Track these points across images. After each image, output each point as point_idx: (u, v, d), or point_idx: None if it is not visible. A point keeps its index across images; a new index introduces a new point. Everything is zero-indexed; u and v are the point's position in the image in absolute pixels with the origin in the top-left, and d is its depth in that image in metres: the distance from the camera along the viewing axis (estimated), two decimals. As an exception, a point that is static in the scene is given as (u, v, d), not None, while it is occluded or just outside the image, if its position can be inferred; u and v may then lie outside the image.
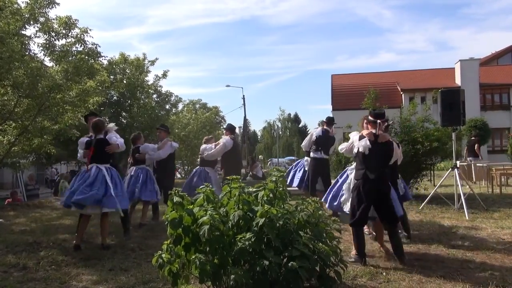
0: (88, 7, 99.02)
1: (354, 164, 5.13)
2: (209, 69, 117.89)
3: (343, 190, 5.29)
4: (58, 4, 9.66)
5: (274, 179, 3.60)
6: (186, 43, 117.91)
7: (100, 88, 11.10)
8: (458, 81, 28.26)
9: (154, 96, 21.19)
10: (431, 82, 26.97)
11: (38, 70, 9.18)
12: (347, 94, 28.79)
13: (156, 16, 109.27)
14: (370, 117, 4.86)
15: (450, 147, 9.11)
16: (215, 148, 7.62)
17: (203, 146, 8.04)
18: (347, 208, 5.10)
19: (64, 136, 11.73)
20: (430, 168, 10.93)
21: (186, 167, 27.73)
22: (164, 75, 20.96)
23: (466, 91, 9.06)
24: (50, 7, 9.57)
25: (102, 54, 10.94)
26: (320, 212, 3.60)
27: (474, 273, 4.28)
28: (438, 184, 9.25)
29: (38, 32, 9.66)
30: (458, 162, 13.71)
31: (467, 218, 7.23)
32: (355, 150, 4.79)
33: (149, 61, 20.49)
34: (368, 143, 4.65)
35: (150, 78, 20.86)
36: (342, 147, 5.15)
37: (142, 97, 20.03)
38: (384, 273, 4.23)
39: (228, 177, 3.70)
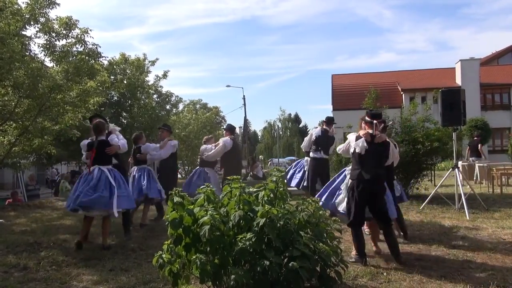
0: (89, 7, 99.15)
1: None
2: (210, 69, 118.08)
3: (340, 190, 5.28)
4: (58, 4, 9.68)
5: (274, 179, 3.60)
6: (187, 43, 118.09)
7: (101, 88, 11.11)
8: (458, 81, 28.24)
9: (155, 96, 21.22)
10: (432, 82, 26.94)
11: (38, 70, 9.18)
12: (347, 94, 28.76)
13: (157, 16, 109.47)
14: (367, 118, 4.86)
15: (451, 147, 9.11)
16: (215, 148, 7.61)
17: (203, 146, 8.04)
18: (341, 207, 5.10)
19: (65, 137, 11.75)
20: (431, 168, 10.93)
21: (187, 167, 27.74)
22: (165, 75, 20.99)
23: (466, 91, 9.05)
24: (50, 7, 9.58)
25: (102, 55, 10.99)
26: (320, 212, 3.60)
27: (474, 273, 4.28)
28: (439, 184, 9.24)
29: (38, 32, 9.67)
30: (460, 162, 13.77)
31: (467, 218, 7.22)
32: (352, 150, 4.79)
33: (149, 62, 20.52)
34: (364, 143, 4.65)
35: (150, 79, 20.92)
36: (340, 147, 5.15)
37: (143, 97, 20.06)
38: (384, 273, 4.23)
39: (228, 177, 3.69)
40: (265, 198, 3.50)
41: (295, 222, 3.42)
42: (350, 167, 5.18)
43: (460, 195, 7.88)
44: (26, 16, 9.32)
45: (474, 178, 13.15)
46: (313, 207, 3.55)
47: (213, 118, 29.83)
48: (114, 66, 19.31)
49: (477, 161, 12.98)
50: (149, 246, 5.64)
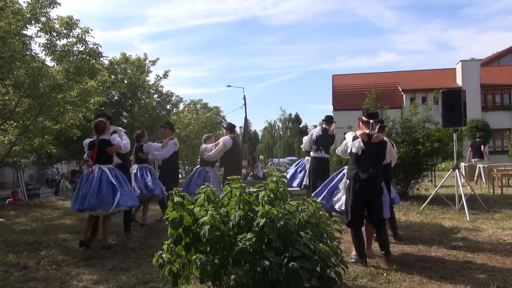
0: (89, 7, 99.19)
1: None
2: (210, 69, 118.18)
3: (338, 189, 5.27)
4: (59, 4, 9.67)
5: (274, 179, 3.60)
6: (187, 43, 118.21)
7: (101, 88, 11.10)
8: (459, 81, 28.22)
9: (155, 96, 21.23)
10: (432, 82, 26.92)
11: (39, 70, 9.18)
12: (348, 95, 28.74)
13: (157, 16, 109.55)
14: (363, 117, 4.87)
15: (451, 148, 9.10)
16: (215, 148, 7.59)
17: (203, 146, 8.02)
18: (338, 206, 5.09)
19: (65, 136, 11.74)
20: (431, 169, 10.92)
21: (187, 167, 27.75)
22: (165, 75, 21.00)
23: (467, 91, 9.04)
24: (51, 7, 9.58)
25: (103, 54, 10.97)
26: (321, 213, 3.60)
27: (475, 274, 4.27)
28: (439, 185, 9.23)
29: (39, 32, 9.67)
30: (463, 164, 13.77)
31: (468, 219, 7.22)
32: (349, 151, 4.80)
33: (150, 61, 20.53)
34: (361, 143, 4.65)
35: (151, 78, 20.92)
36: (339, 149, 5.14)
37: (143, 97, 20.06)
38: (385, 274, 4.23)
39: (228, 177, 3.69)
40: (265, 198, 3.50)
41: (295, 223, 3.42)
42: (347, 167, 5.17)
43: (460, 196, 7.87)
44: (27, 15, 9.31)
45: (475, 179, 13.14)
46: (313, 207, 3.55)
47: (213, 118, 29.84)
48: (115, 66, 19.32)
49: (479, 162, 12.94)
50: (149, 245, 5.64)
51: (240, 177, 3.76)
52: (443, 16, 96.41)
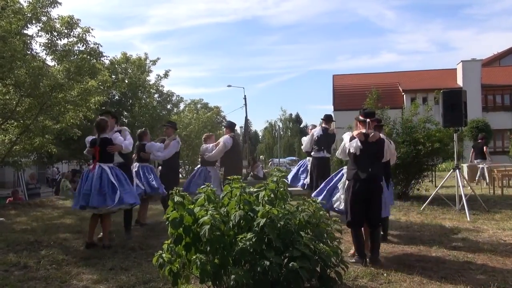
0: (90, 6, 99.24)
1: None
2: (211, 69, 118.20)
3: (337, 189, 5.27)
4: (60, 3, 9.68)
5: (275, 179, 3.60)
6: (188, 43, 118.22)
7: (102, 87, 11.11)
8: (460, 82, 28.21)
9: (156, 95, 21.24)
10: (433, 82, 26.90)
11: (40, 69, 9.19)
12: (348, 95, 28.74)
13: (158, 16, 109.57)
14: (360, 117, 4.87)
15: (452, 148, 9.10)
16: (215, 148, 7.56)
17: (204, 146, 8.01)
18: (336, 205, 5.09)
19: (66, 135, 11.76)
20: (432, 169, 10.92)
21: (187, 166, 27.76)
22: (166, 75, 21.01)
23: (468, 92, 9.04)
24: (52, 6, 9.58)
25: (104, 54, 10.95)
26: (321, 213, 3.60)
27: (475, 274, 4.27)
28: (440, 185, 9.23)
29: (40, 31, 9.67)
30: (465, 164, 13.75)
31: (468, 219, 7.21)
32: (347, 152, 4.80)
33: (150, 61, 20.54)
34: (358, 143, 4.65)
35: (151, 78, 20.93)
36: (338, 152, 5.14)
37: (144, 96, 20.08)
38: (385, 274, 4.22)
39: (229, 177, 3.69)
40: (266, 198, 3.50)
41: (295, 223, 3.42)
42: (347, 167, 5.16)
43: (460, 196, 7.87)
44: (28, 15, 9.32)
45: (476, 179, 13.12)
46: (314, 207, 3.55)
47: (214, 118, 29.87)
48: (116, 66, 19.33)
49: (482, 163, 12.91)
50: (149, 245, 5.64)
51: (240, 177, 3.76)
52: (444, 16, 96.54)
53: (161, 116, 19.84)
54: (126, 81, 18.98)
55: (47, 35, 9.64)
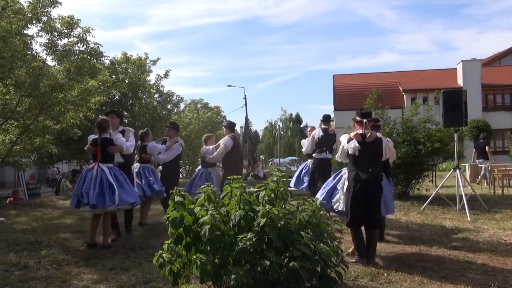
0: (90, 6, 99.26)
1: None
2: (211, 69, 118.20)
3: (337, 189, 5.28)
4: (60, 3, 9.69)
5: (275, 179, 3.59)
6: (188, 43, 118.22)
7: (102, 87, 11.13)
8: (460, 81, 28.20)
9: (156, 95, 21.26)
10: (433, 82, 26.89)
11: (40, 69, 9.20)
12: (349, 95, 28.73)
13: (158, 16, 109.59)
14: (357, 117, 4.87)
15: (452, 148, 9.10)
16: (216, 151, 7.55)
17: (204, 148, 8.01)
18: (336, 206, 5.10)
19: (66, 136, 11.77)
20: (432, 169, 10.92)
21: (188, 167, 27.76)
22: (166, 74, 21.04)
23: (468, 91, 9.03)
24: (52, 6, 9.59)
25: (104, 54, 10.97)
26: (321, 213, 3.59)
27: (475, 274, 4.27)
28: (440, 185, 9.22)
29: (40, 31, 9.69)
30: (467, 164, 13.72)
31: (468, 219, 7.21)
32: (346, 153, 4.80)
33: (151, 61, 20.57)
34: (356, 144, 4.65)
35: (152, 78, 20.98)
36: (338, 155, 5.14)
37: (144, 96, 20.10)
38: (385, 274, 4.22)
39: (229, 177, 3.68)
40: (266, 198, 3.49)
41: (295, 222, 3.42)
42: (347, 169, 5.16)
43: (461, 196, 7.86)
44: (28, 15, 9.33)
45: (478, 179, 13.08)
46: (314, 207, 3.55)
47: (214, 118, 29.88)
48: (116, 66, 19.35)
49: (484, 163, 12.87)
50: (149, 245, 5.64)
51: (240, 176, 3.76)
52: (444, 16, 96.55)
53: (161, 116, 19.86)
54: (127, 81, 19.00)
55: (47, 35, 9.66)
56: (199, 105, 32.11)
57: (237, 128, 31.59)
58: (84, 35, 9.86)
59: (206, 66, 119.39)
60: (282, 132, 67.88)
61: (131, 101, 19.90)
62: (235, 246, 3.20)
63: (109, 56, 13.97)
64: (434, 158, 9.74)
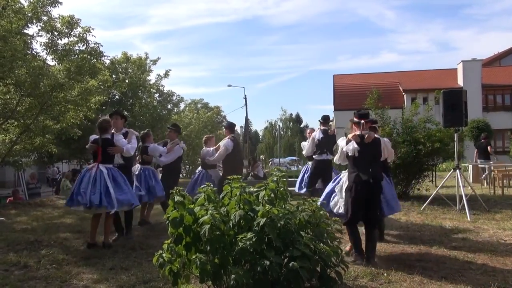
0: (91, 6, 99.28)
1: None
2: (211, 68, 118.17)
3: (335, 192, 5.27)
4: (60, 3, 9.70)
5: (275, 179, 3.59)
6: (188, 43, 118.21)
7: (102, 87, 11.12)
8: (460, 81, 28.21)
9: (156, 95, 21.26)
10: (433, 82, 26.91)
11: (40, 69, 9.20)
12: (349, 95, 28.75)
13: (158, 16, 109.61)
14: (354, 119, 4.87)
15: (452, 148, 9.10)
16: (216, 153, 7.54)
17: (204, 150, 8.00)
18: (336, 209, 5.09)
19: (66, 135, 11.77)
20: (432, 169, 10.91)
21: (188, 166, 27.75)
22: (166, 74, 21.02)
23: (468, 92, 9.03)
24: (52, 6, 9.60)
25: (104, 54, 10.98)
26: (321, 213, 3.59)
27: (475, 274, 4.27)
28: (440, 185, 9.22)
29: (40, 31, 9.69)
30: (470, 165, 13.69)
31: (468, 219, 7.21)
32: (345, 155, 4.80)
33: (151, 61, 20.56)
34: (355, 145, 4.66)
35: (152, 78, 20.96)
36: (336, 158, 5.14)
37: (144, 96, 20.10)
38: (385, 274, 4.22)
39: (228, 177, 3.68)
40: (266, 198, 3.49)
41: (295, 222, 3.41)
42: (347, 171, 5.15)
43: (461, 196, 7.86)
44: (29, 14, 9.33)
45: (481, 178, 13.04)
46: (314, 207, 3.55)
47: (214, 118, 29.87)
48: (116, 65, 19.35)
49: (486, 163, 12.84)
50: (149, 245, 5.64)
51: (240, 176, 3.76)
52: (444, 16, 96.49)
53: (162, 116, 19.85)
54: (127, 81, 19.00)
55: (47, 34, 9.66)
56: (199, 105, 32.11)
57: (237, 128, 31.62)
58: (84, 34, 9.86)
59: (206, 66, 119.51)
60: (282, 132, 67.85)
61: (131, 100, 19.90)
62: (235, 246, 3.20)
63: (109, 56, 14.00)
64: (434, 158, 9.73)
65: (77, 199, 5.31)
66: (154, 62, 20.64)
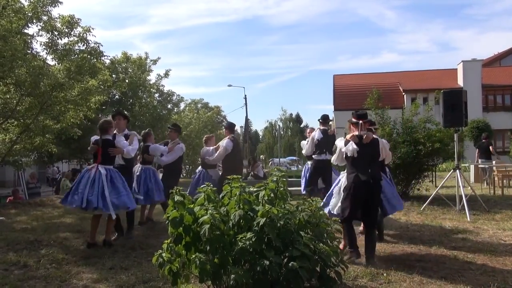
0: (91, 6, 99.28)
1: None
2: (211, 68, 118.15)
3: (332, 194, 5.28)
4: (61, 3, 9.70)
5: (275, 179, 3.59)
6: (189, 43, 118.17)
7: (102, 87, 11.12)
8: (460, 82, 28.21)
9: (156, 95, 21.28)
10: (433, 82, 26.90)
11: (40, 68, 9.20)
12: (349, 95, 28.76)
13: (159, 16, 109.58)
14: (353, 119, 4.87)
15: (452, 148, 9.10)
16: (216, 152, 7.54)
17: (204, 150, 8.00)
18: (335, 211, 5.10)
19: (66, 135, 11.77)
20: (432, 169, 10.91)
21: (188, 166, 27.76)
22: (166, 74, 21.04)
23: (468, 92, 9.02)
24: (53, 5, 9.60)
25: (104, 53, 10.98)
26: (321, 213, 3.59)
27: (475, 274, 4.27)
28: (440, 185, 9.22)
29: (40, 30, 9.69)
30: (472, 165, 13.65)
31: (468, 219, 7.21)
32: (344, 156, 4.80)
33: (151, 60, 20.59)
34: (354, 146, 4.66)
35: (152, 77, 20.99)
36: (333, 158, 5.13)
37: (144, 96, 20.12)
38: (384, 274, 4.22)
39: (228, 177, 3.68)
40: (266, 198, 3.50)
41: (295, 222, 3.42)
42: (345, 172, 5.14)
43: (461, 197, 7.86)
44: (29, 14, 9.33)
45: (484, 178, 13.00)
46: (314, 207, 3.55)
47: (214, 118, 29.88)
48: (116, 65, 19.36)
49: (487, 163, 12.80)
50: (149, 244, 5.64)
51: (240, 176, 3.76)
52: (444, 16, 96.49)
53: (162, 116, 19.87)
54: (127, 81, 19.02)
55: (47, 34, 9.66)
56: (199, 105, 32.14)
57: (237, 128, 31.63)
58: (85, 34, 9.86)
59: (206, 66, 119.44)
60: (282, 132, 67.79)
61: (131, 100, 19.92)
62: (235, 245, 3.20)
63: (109, 56, 14.01)
64: (434, 158, 9.73)
65: (72, 198, 5.31)
66: (154, 62, 20.67)
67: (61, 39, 9.82)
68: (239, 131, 36.02)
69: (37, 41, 9.84)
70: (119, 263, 4.77)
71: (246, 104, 36.26)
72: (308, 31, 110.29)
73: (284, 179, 3.65)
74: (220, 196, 3.67)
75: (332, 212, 5.22)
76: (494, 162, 12.73)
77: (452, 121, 8.07)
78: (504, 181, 11.50)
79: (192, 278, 3.63)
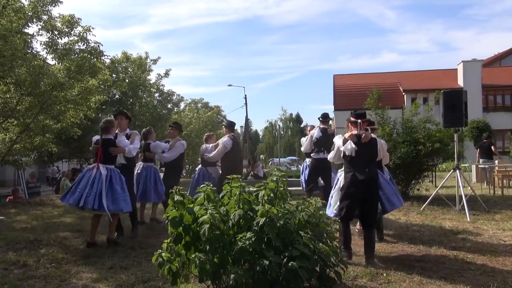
0: (91, 5, 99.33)
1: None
2: (211, 68, 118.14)
3: (331, 196, 5.27)
4: (61, 2, 9.70)
5: (275, 179, 3.59)
6: (189, 42, 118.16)
7: (102, 86, 11.12)
8: (460, 82, 28.21)
9: (156, 95, 21.27)
10: (434, 83, 26.92)
11: (40, 68, 9.20)
12: (349, 94, 28.76)
13: (159, 15, 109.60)
14: (351, 118, 4.87)
15: (452, 148, 9.10)
16: (215, 150, 7.54)
17: (204, 146, 7.99)
18: (335, 209, 5.09)
19: (66, 134, 11.76)
20: (432, 169, 10.91)
21: (188, 166, 27.75)
22: (166, 74, 21.03)
23: (468, 92, 9.02)
24: (53, 5, 9.60)
25: (104, 53, 10.97)
26: (320, 213, 3.59)
27: (475, 275, 4.27)
28: (440, 185, 9.22)
29: (40, 30, 9.69)
30: (473, 166, 13.62)
31: (468, 219, 7.21)
32: (342, 155, 4.80)
33: (151, 60, 20.57)
34: (352, 145, 4.65)
35: (152, 77, 20.97)
36: (330, 156, 5.12)
37: (144, 96, 20.11)
38: (384, 274, 4.22)
39: (228, 176, 3.68)
40: (265, 198, 3.50)
41: (295, 222, 3.42)
42: (343, 170, 5.14)
43: (461, 197, 7.86)
44: (29, 13, 9.33)
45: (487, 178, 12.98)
46: (313, 207, 3.55)
47: (214, 117, 29.87)
48: (116, 65, 19.36)
49: (487, 163, 12.78)
50: (149, 244, 5.64)
51: (240, 176, 3.76)
52: (445, 17, 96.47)
53: (162, 116, 19.86)
54: (127, 80, 19.01)
55: (47, 34, 9.66)
56: (199, 105, 32.14)
57: (237, 127, 31.64)
58: (85, 34, 9.86)
59: (206, 66, 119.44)
60: (282, 132, 67.77)
61: (131, 100, 19.91)
62: (234, 245, 3.20)
63: (109, 55, 13.99)
64: (434, 158, 9.73)
65: (71, 196, 5.32)
66: (154, 61, 20.66)
67: (61, 39, 9.83)
68: (239, 131, 36.02)
69: (37, 40, 9.86)
70: (119, 263, 4.77)
71: (246, 104, 36.31)
72: (308, 31, 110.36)
73: (284, 179, 3.65)
74: (220, 195, 3.67)
75: (333, 212, 5.22)
76: (497, 162, 12.72)
77: (452, 121, 8.07)
78: (504, 181, 11.49)
79: (191, 277, 3.63)
